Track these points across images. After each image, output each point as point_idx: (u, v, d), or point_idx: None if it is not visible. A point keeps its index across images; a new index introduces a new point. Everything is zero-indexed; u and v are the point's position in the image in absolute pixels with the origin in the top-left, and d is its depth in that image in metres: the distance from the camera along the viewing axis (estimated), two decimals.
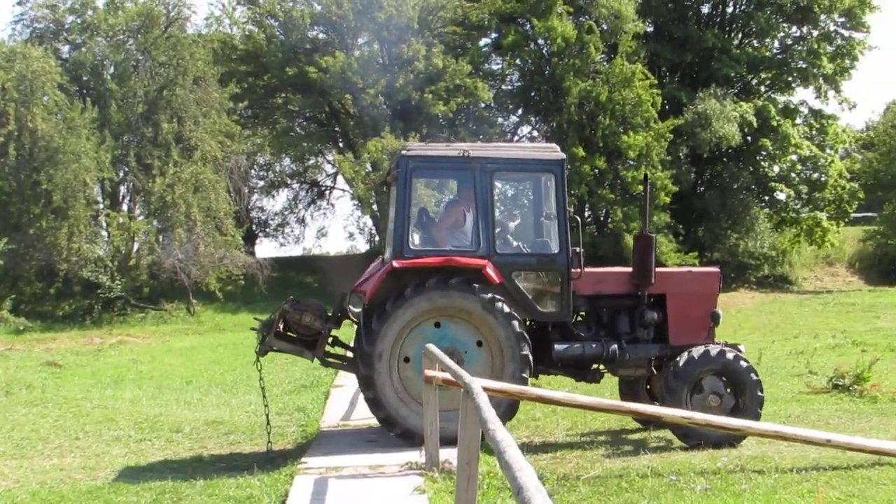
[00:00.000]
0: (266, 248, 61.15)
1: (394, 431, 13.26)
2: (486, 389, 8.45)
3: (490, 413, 6.99)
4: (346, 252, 61.70)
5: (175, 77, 40.51)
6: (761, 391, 13.89)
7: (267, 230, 56.88)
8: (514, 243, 14.21)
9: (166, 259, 38.74)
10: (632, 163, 42.06)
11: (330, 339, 14.11)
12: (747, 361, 13.89)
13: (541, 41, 44.95)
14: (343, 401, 16.95)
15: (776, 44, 51.28)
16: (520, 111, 50.53)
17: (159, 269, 38.98)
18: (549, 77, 43.75)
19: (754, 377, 13.78)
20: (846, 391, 17.37)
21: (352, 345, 14.22)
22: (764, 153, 48.66)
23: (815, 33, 50.11)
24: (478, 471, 8.65)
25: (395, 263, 13.04)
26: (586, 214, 44.19)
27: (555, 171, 13.75)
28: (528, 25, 44.63)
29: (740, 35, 50.45)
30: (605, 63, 44.41)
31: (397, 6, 42.31)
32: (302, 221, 56.96)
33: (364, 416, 15.47)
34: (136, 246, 40.03)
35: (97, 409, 18.06)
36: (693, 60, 48.46)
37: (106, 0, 42.47)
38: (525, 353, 13.16)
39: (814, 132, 50.40)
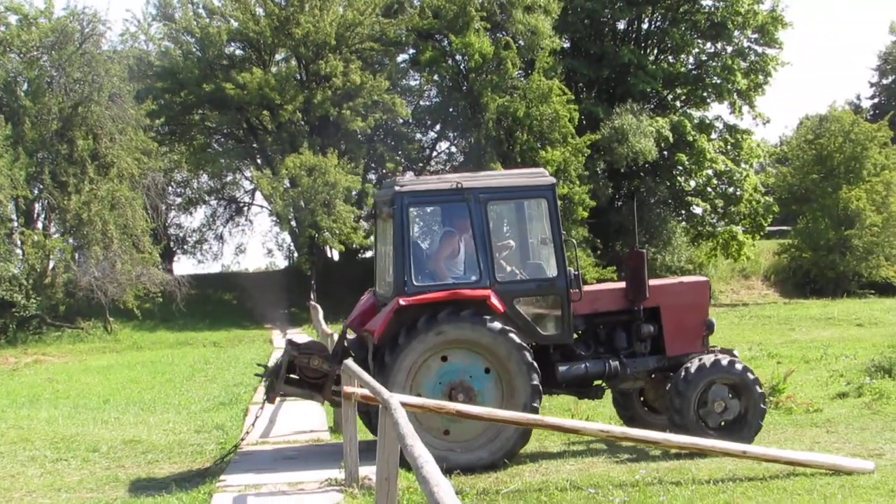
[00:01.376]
0: (184, 266, 60.66)
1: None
2: (404, 405, 8.45)
3: (408, 429, 6.99)
4: (265, 268, 61.46)
5: (90, 93, 39.97)
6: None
7: (185, 247, 56.46)
8: (513, 270, 14.19)
9: (82, 277, 38.22)
10: None
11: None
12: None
13: (458, 57, 45.08)
14: (262, 418, 16.82)
15: (691, 60, 52.01)
16: (438, 127, 50.68)
17: (75, 287, 38.42)
18: (467, 93, 43.94)
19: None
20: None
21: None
22: (680, 168, 49.26)
23: (730, 49, 50.85)
24: (397, 486, 8.64)
25: (401, 301, 13.04)
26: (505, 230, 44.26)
27: (546, 195, 13.89)
28: (446, 41, 44.73)
29: (656, 51, 51.04)
30: (522, 79, 44.64)
31: (314, 22, 42.20)
32: (220, 238, 56.58)
33: (283, 433, 15.36)
34: (51, 264, 39.43)
35: (12, 430, 17.73)
36: (610, 76, 48.91)
37: (19, 16, 41.82)
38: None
39: (729, 147, 51.12)
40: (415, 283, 13.31)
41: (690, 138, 47.68)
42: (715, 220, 50.05)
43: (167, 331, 40.42)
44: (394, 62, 47.79)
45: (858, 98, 75.40)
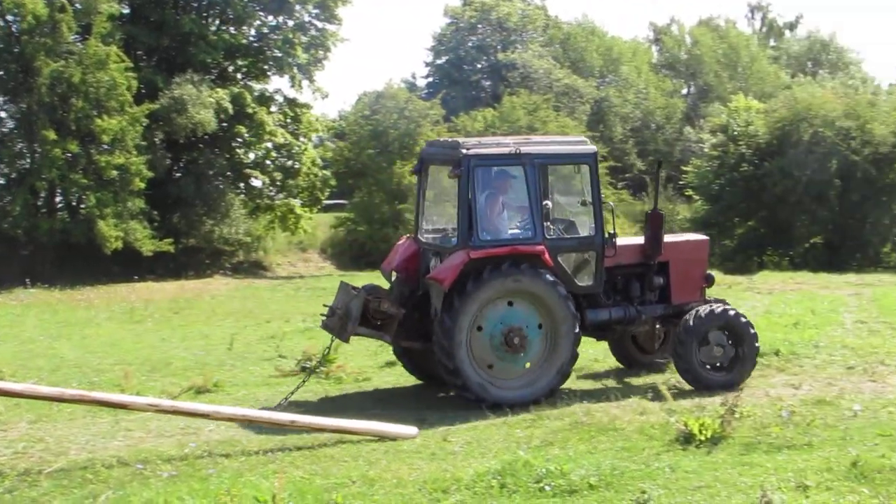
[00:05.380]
0: None
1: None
2: None
3: None
4: None
5: None
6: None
7: None
8: (558, 227, 16.07)
9: None
10: (106, 147, 40.93)
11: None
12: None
13: (10, 17, 42.71)
14: None
15: (253, 32, 51.89)
16: None
17: None
18: (19, 56, 41.64)
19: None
20: (313, 373, 17.89)
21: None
22: (240, 140, 49.08)
23: (291, 23, 51.09)
24: None
25: (472, 254, 14.73)
26: (57, 200, 42.59)
27: (590, 162, 15.75)
28: None
29: (218, 21, 50.54)
30: (78, 44, 42.92)
31: None
32: None
33: None
34: None
35: None
36: (170, 45, 47.94)
37: None
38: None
39: (288, 120, 51.43)
40: (480, 237, 14.96)
41: (251, 111, 47.60)
42: (273, 193, 50.28)
43: None
44: None
45: (414, 76, 78.19)
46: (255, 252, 49.81)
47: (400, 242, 16.93)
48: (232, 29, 50.47)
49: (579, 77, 72.88)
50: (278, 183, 50.07)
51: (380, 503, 10.27)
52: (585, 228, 16.00)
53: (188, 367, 19.56)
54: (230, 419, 13.17)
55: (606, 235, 15.70)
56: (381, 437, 13.15)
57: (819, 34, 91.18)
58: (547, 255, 15.05)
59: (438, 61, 77.50)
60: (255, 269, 48.20)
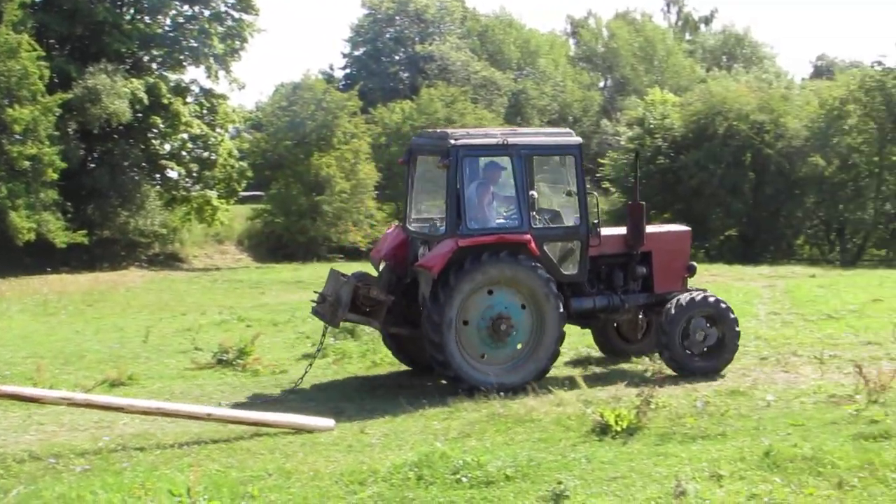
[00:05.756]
0: None
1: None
2: None
3: None
4: None
5: None
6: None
7: None
8: (543, 217, 16.35)
9: None
10: (18, 137, 40.22)
11: None
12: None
13: None
14: None
15: (168, 21, 51.33)
16: None
17: None
18: None
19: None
20: (230, 366, 17.78)
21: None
22: (155, 131, 48.49)
23: (207, 13, 50.64)
24: None
25: (460, 242, 15.03)
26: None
27: (575, 153, 16.12)
28: None
29: (132, 10, 49.93)
30: None
31: None
32: None
33: None
34: None
35: None
36: (84, 34, 47.24)
37: None
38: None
39: (205, 111, 50.96)
40: (468, 226, 15.26)
41: (166, 101, 47.05)
42: (190, 185, 49.77)
43: None
44: None
45: (331, 68, 77.82)
46: (171, 244, 49.33)
47: (389, 231, 17.42)
48: (147, 18, 49.87)
49: (497, 69, 73.24)
50: (194, 174, 49.57)
51: (296, 496, 10.21)
52: (570, 218, 16.29)
53: (102, 359, 19.30)
54: (145, 412, 13.02)
55: (591, 225, 16.04)
56: (299, 430, 13.09)
57: (734, 28, 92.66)
58: (533, 244, 15.39)
59: (356, 53, 77.33)
60: (171, 261, 47.73)
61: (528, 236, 15.40)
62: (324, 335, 16.85)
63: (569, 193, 16.30)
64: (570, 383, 15.01)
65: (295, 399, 15.42)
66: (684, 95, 58.14)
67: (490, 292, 15.34)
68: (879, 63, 49.85)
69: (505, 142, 15.68)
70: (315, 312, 16.56)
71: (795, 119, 50.47)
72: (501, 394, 14.44)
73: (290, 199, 51.50)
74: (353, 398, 15.52)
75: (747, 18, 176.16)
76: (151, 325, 23.22)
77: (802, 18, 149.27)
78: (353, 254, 51.02)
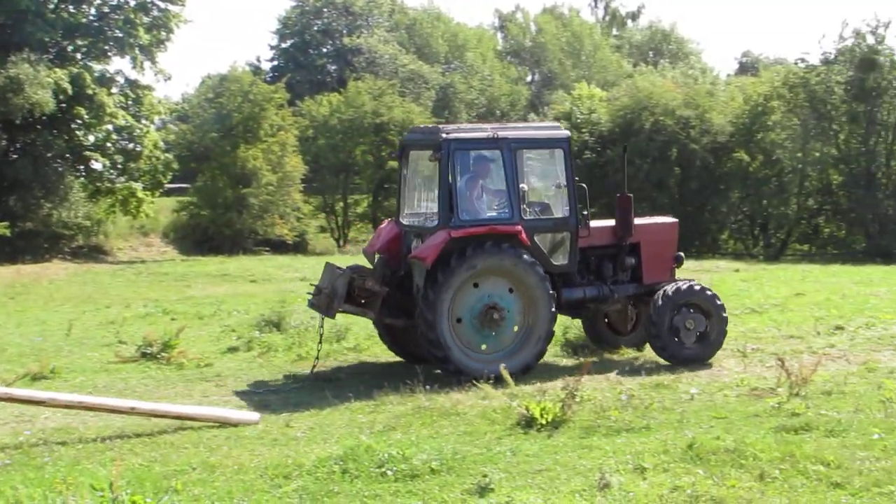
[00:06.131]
0: None
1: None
2: None
3: None
4: None
5: None
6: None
7: None
8: (534, 209, 16.52)
9: None
10: None
11: None
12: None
13: None
14: None
15: (93, 11, 50.72)
16: None
17: None
18: None
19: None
20: (154, 359, 17.62)
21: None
22: (79, 122, 47.91)
23: (133, 3, 50.08)
24: None
25: (452, 234, 15.31)
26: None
27: (563, 146, 16.46)
28: None
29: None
30: None
31: None
32: None
33: None
34: None
35: None
36: (6, 22, 46.53)
37: None
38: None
39: (130, 102, 50.44)
40: (460, 218, 15.53)
41: (91, 92, 46.47)
42: (114, 177, 49.24)
43: None
44: None
45: (259, 60, 77.44)
46: (95, 236, 48.74)
47: (382, 226, 17.55)
48: (71, 7, 49.18)
49: (425, 63, 73.28)
50: (119, 166, 49.06)
51: (221, 490, 10.15)
52: (560, 210, 16.54)
53: (24, 353, 19.06)
54: (67, 406, 12.88)
55: (580, 217, 16.41)
56: (223, 424, 13.02)
57: (660, 24, 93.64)
58: (524, 235, 15.67)
59: (283, 45, 77.03)
60: (95, 253, 47.15)
61: (519, 227, 15.69)
62: (321, 327, 16.86)
63: (558, 186, 16.61)
64: (496, 378, 15.07)
65: (219, 393, 15.33)
66: (611, 90, 58.56)
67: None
68: (803, 60, 50.47)
69: (495, 135, 15.99)
70: (311, 305, 16.77)
71: (720, 115, 51.00)
72: (427, 387, 14.45)
73: (217, 192, 51.17)
74: (278, 391, 15.47)
75: (674, 15, 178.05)
76: (75, 318, 22.98)
77: (728, 15, 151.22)
78: (279, 247, 50.81)
